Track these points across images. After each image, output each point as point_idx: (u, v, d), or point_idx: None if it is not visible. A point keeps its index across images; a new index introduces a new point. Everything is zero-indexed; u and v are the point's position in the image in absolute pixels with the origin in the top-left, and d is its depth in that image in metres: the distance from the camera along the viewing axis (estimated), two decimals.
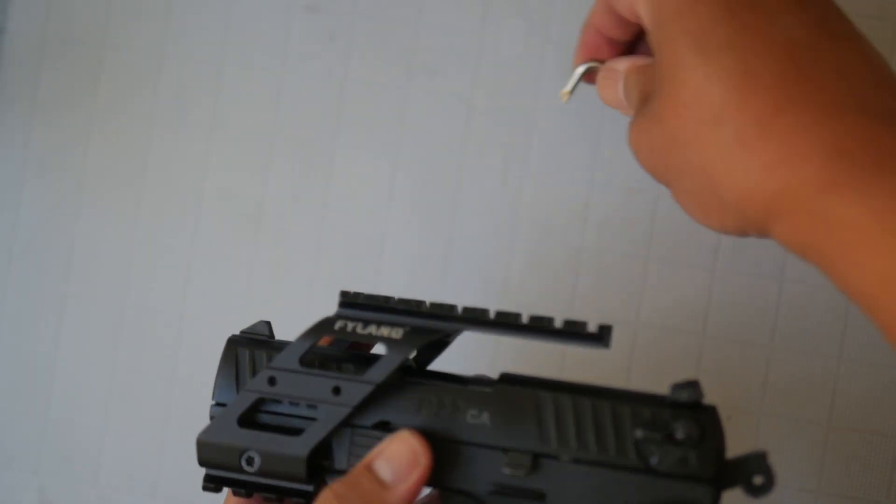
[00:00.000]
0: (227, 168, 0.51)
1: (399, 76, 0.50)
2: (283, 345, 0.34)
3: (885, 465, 0.46)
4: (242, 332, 0.36)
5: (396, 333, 0.32)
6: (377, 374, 0.32)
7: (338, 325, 0.33)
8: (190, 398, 0.51)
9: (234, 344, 0.35)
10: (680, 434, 0.30)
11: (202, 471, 0.52)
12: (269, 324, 0.36)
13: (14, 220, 0.53)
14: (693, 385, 0.31)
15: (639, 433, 0.30)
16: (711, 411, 0.31)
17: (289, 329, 0.50)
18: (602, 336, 0.31)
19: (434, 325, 0.32)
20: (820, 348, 0.46)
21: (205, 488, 0.34)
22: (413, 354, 0.32)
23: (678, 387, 0.31)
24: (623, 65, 0.37)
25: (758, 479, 0.30)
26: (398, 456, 0.31)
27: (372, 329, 0.32)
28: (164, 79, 0.51)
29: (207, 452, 0.34)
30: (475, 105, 0.49)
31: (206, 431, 0.34)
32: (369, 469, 0.31)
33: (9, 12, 0.53)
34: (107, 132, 0.52)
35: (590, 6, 0.48)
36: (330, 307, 0.52)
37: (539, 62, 0.49)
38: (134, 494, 0.51)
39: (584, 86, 0.50)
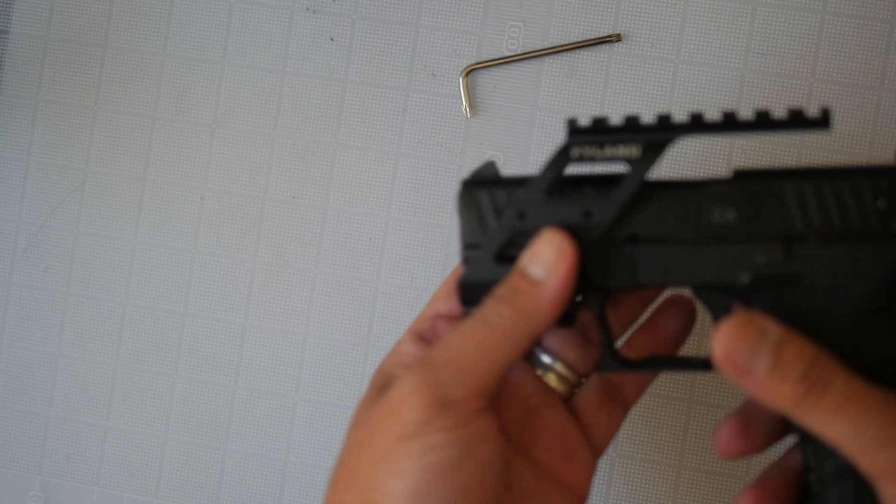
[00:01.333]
0: (229, 168, 0.51)
1: (399, 77, 0.50)
2: (516, 181, 0.34)
3: None
4: (472, 175, 0.35)
5: (635, 151, 0.32)
6: (625, 191, 0.33)
7: (574, 151, 0.33)
8: (192, 397, 0.51)
9: (470, 186, 0.35)
10: None
11: (202, 470, 0.52)
12: (494, 163, 0.36)
13: (16, 219, 0.53)
14: None
15: (880, 203, 0.31)
16: None
17: (288, 329, 0.51)
18: (824, 120, 0.31)
19: (664, 136, 0.32)
20: None
21: None
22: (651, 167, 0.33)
23: None
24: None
25: None
26: (544, 254, 0.32)
27: (609, 150, 0.33)
28: (166, 79, 0.52)
29: (470, 292, 0.34)
30: (474, 105, 0.49)
31: (467, 273, 0.34)
32: (522, 272, 0.32)
33: (12, 14, 0.53)
34: (109, 132, 0.52)
35: (586, 8, 0.49)
36: (331, 307, 0.52)
37: (538, 63, 0.49)
38: (135, 493, 0.52)
39: (577, 85, 0.50)
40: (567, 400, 0.37)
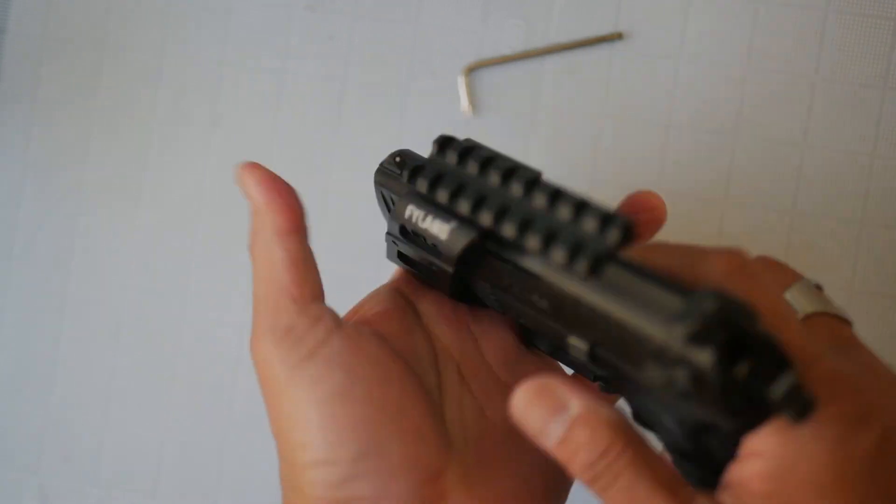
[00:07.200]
0: (227, 168, 0.51)
1: (399, 76, 0.50)
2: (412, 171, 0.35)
3: None
4: (380, 165, 0.37)
5: (443, 233, 0.32)
6: (438, 259, 0.33)
7: (402, 210, 0.34)
8: (190, 398, 0.51)
9: (375, 178, 0.37)
10: (679, 379, 0.24)
11: (200, 472, 0.52)
12: (405, 152, 0.37)
13: (14, 220, 0.53)
14: (712, 296, 0.24)
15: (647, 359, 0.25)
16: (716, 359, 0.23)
17: None
18: None
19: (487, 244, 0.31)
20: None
21: None
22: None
23: (699, 300, 0.24)
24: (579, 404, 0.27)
25: (791, 411, 0.24)
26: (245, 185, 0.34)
27: (428, 221, 0.33)
28: (165, 78, 0.51)
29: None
30: (475, 104, 0.49)
31: (388, 252, 0.38)
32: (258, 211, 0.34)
33: (9, 12, 0.53)
34: (107, 132, 0.52)
35: (587, 6, 0.48)
36: (331, 307, 0.51)
37: (539, 63, 0.49)
38: (134, 494, 0.51)
39: (578, 84, 0.50)
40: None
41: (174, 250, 0.51)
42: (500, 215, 0.31)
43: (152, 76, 0.52)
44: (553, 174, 0.49)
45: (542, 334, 0.34)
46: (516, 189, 0.31)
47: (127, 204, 0.52)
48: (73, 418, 0.52)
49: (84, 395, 0.52)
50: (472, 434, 0.33)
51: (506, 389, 0.33)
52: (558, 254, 0.28)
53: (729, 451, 0.26)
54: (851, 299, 0.47)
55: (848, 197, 0.47)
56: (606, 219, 0.27)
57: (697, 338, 0.24)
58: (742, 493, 0.26)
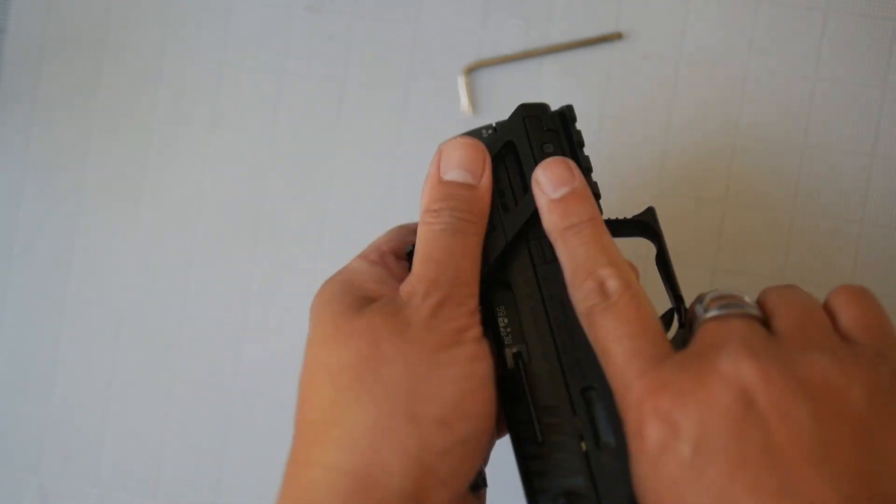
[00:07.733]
0: (227, 168, 0.51)
1: (399, 76, 0.50)
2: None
3: None
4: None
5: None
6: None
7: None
8: (190, 398, 0.51)
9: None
10: None
11: (202, 470, 0.52)
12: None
13: (14, 220, 0.53)
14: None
15: None
16: None
17: (287, 329, 0.50)
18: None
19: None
20: None
21: None
22: None
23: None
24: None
25: None
26: (462, 159, 0.35)
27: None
28: (165, 78, 0.51)
29: None
30: (475, 104, 0.49)
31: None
32: (451, 182, 0.35)
33: (9, 12, 0.53)
34: (107, 132, 0.52)
35: (587, 6, 0.48)
36: None
37: (539, 63, 0.49)
38: (133, 494, 0.51)
39: (578, 84, 0.50)
40: None
41: (174, 250, 0.51)
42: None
43: (152, 76, 0.51)
44: None
45: None
46: None
47: (127, 204, 0.52)
48: (73, 418, 0.52)
49: (84, 395, 0.52)
50: None
51: None
52: None
53: None
54: None
55: (848, 197, 0.47)
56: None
57: None
58: None
